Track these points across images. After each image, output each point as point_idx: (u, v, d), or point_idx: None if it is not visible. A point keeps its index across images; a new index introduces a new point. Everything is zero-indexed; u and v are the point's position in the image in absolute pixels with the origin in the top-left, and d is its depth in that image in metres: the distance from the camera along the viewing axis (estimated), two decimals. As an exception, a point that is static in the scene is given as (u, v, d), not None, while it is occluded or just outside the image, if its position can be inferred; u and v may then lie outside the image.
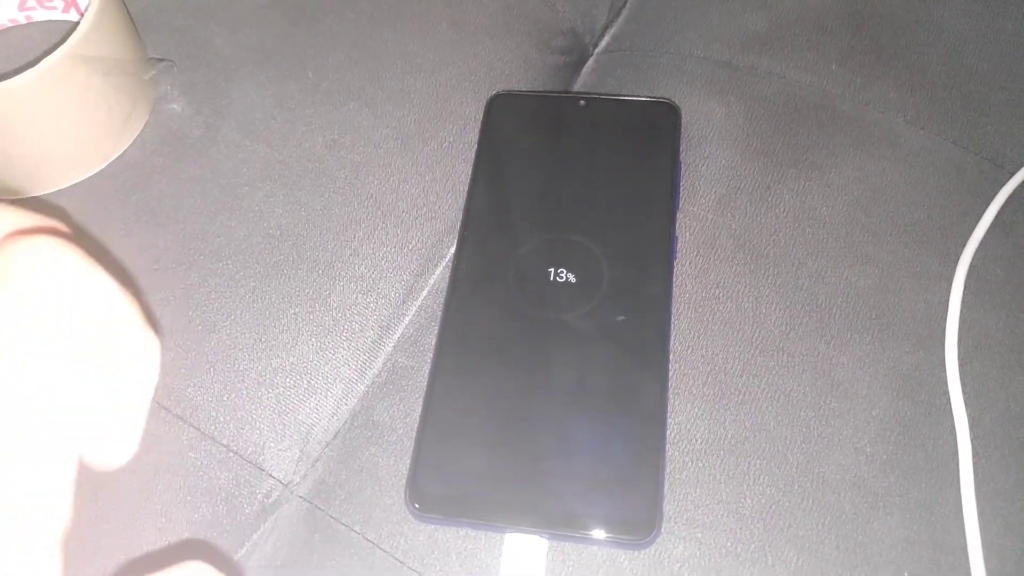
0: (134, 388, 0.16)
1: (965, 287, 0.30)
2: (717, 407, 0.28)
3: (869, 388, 0.29)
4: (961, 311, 0.30)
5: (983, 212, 0.32)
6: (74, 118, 0.31)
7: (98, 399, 0.15)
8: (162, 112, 0.34)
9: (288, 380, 0.30)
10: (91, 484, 0.28)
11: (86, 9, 0.30)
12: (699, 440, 0.28)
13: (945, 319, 0.30)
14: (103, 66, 0.30)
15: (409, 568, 0.27)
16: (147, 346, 0.16)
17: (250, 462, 0.29)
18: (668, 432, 0.28)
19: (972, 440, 0.27)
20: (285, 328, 0.31)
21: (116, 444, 0.16)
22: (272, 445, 0.30)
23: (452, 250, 0.33)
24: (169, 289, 0.31)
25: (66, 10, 0.36)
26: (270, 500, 0.29)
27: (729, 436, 0.28)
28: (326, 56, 0.36)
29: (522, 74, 0.37)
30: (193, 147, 0.33)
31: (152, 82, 0.34)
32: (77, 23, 0.30)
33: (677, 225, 0.32)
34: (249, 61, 0.35)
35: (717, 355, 0.29)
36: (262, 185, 0.33)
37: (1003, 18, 0.37)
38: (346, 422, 0.30)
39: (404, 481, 0.27)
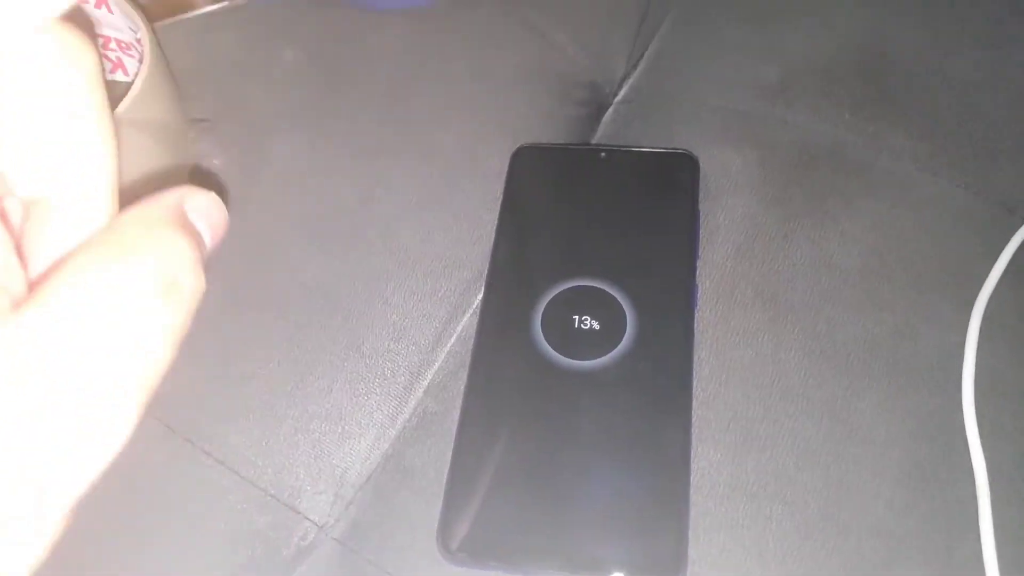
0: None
1: (980, 332, 0.31)
2: (739, 452, 0.29)
3: (887, 433, 0.29)
4: (977, 356, 0.30)
5: (996, 258, 0.33)
6: (121, 178, 0.33)
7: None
8: (202, 169, 0.36)
9: (323, 425, 0.31)
10: (134, 529, 0.29)
11: (135, 73, 0.32)
12: (722, 485, 0.29)
13: (961, 364, 0.30)
14: (150, 128, 0.32)
15: (441, 611, 0.28)
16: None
17: (287, 505, 0.30)
18: (692, 477, 0.29)
19: (990, 484, 0.28)
20: (320, 375, 0.32)
21: None
22: (308, 488, 0.31)
23: (479, 298, 0.34)
24: (210, 339, 0.32)
25: (113, 71, 0.38)
26: (306, 542, 0.30)
27: (751, 481, 0.29)
28: (358, 113, 0.37)
29: (544, 126, 0.38)
30: (232, 203, 0.35)
31: (193, 141, 0.36)
32: (124, 84, 0.31)
33: (697, 273, 0.33)
34: (285, 118, 0.37)
35: (739, 401, 0.30)
36: (298, 239, 0.34)
37: (1012, 65, 0.38)
38: (379, 466, 0.32)
39: (436, 524, 0.28)
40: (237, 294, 0.33)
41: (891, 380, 0.30)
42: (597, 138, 0.40)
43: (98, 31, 0.36)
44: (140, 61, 0.32)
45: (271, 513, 0.30)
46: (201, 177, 0.36)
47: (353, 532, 0.30)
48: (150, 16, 0.34)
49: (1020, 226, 0.34)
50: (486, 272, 0.34)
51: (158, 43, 0.34)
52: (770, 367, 0.31)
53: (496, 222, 0.35)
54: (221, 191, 0.36)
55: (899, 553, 0.27)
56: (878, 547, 0.27)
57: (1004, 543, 0.27)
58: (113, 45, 0.37)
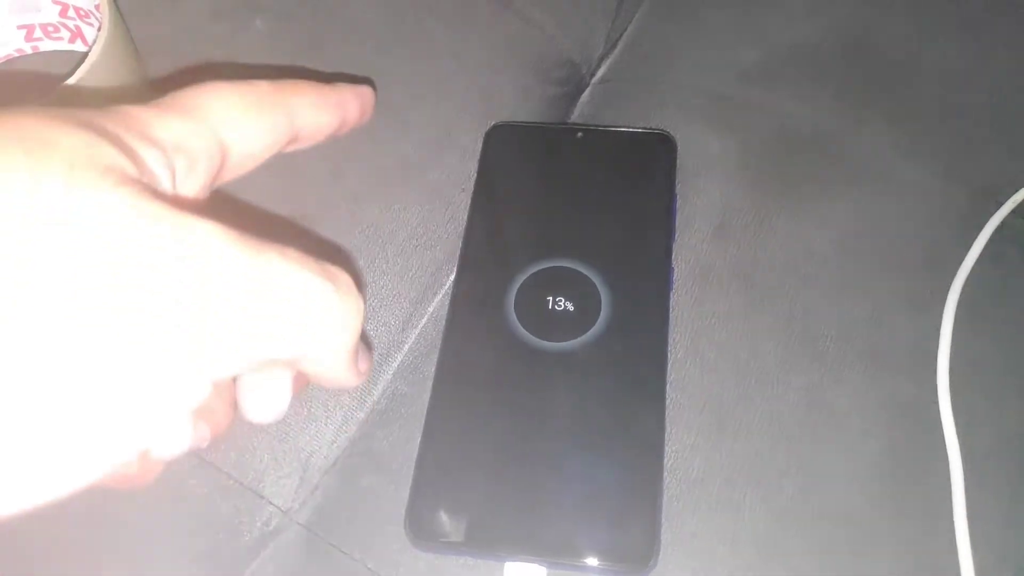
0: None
1: (956, 317, 0.31)
2: (713, 436, 0.29)
3: (862, 418, 0.29)
4: (952, 341, 0.30)
5: (973, 243, 0.33)
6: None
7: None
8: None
9: (288, 408, 0.30)
10: (91, 515, 0.28)
11: (93, 40, 0.31)
12: (695, 469, 0.28)
13: (937, 349, 0.30)
14: (108, 97, 0.31)
15: (408, 597, 0.27)
16: None
17: (250, 489, 0.30)
18: (665, 461, 0.28)
19: (964, 470, 0.28)
20: (286, 356, 0.31)
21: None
22: (272, 472, 0.30)
23: (451, 278, 0.33)
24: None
25: (72, 41, 0.36)
26: (269, 527, 0.30)
27: (725, 466, 0.28)
28: (328, 86, 0.36)
29: (520, 104, 0.38)
30: (196, 176, 0.34)
31: (157, 112, 0.34)
32: (83, 53, 0.30)
33: (673, 255, 0.32)
34: (252, 91, 0.36)
35: (713, 385, 0.30)
36: (264, 214, 0.33)
37: (993, 53, 0.38)
38: (345, 450, 0.31)
39: (403, 509, 0.28)
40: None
41: (867, 365, 0.30)
42: (574, 117, 0.39)
43: (56, -3, 0.35)
44: (100, 29, 0.31)
45: (234, 498, 0.29)
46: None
47: (318, 517, 0.29)
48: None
49: (996, 212, 0.34)
50: (459, 252, 0.33)
51: (119, 10, 0.32)
52: (745, 350, 0.30)
53: (470, 201, 0.34)
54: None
55: (873, 538, 0.27)
56: (852, 532, 0.27)
57: (978, 529, 0.27)
58: (71, 13, 0.35)
